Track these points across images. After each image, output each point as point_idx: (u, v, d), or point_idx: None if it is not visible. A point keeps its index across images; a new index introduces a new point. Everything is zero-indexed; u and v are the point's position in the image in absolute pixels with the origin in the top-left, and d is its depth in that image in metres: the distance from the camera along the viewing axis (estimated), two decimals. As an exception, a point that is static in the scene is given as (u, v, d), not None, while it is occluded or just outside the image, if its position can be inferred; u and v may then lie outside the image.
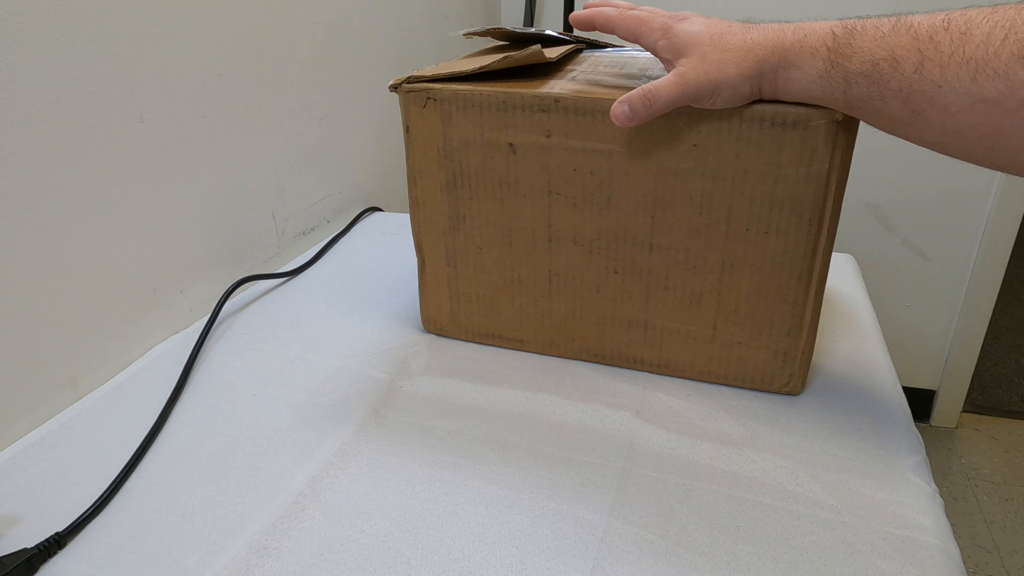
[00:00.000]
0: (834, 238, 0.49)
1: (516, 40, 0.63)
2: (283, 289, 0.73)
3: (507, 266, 0.58)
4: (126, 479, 0.47)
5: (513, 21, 1.47)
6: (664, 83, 0.45)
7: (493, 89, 0.51)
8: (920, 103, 0.38)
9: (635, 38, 0.48)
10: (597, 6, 0.51)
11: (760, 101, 0.46)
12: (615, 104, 0.46)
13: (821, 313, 0.53)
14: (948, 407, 1.64)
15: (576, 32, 0.87)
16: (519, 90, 0.51)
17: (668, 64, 0.47)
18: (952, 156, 0.40)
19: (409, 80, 0.54)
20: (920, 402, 1.66)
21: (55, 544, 0.42)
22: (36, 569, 0.41)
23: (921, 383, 1.64)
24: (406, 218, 0.91)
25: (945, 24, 0.37)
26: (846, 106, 0.42)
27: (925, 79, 0.37)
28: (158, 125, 0.61)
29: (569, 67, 0.57)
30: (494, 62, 0.52)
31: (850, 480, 0.47)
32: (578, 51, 0.64)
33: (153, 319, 0.64)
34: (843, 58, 0.40)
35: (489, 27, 0.59)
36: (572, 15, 0.51)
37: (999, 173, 1.39)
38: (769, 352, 0.54)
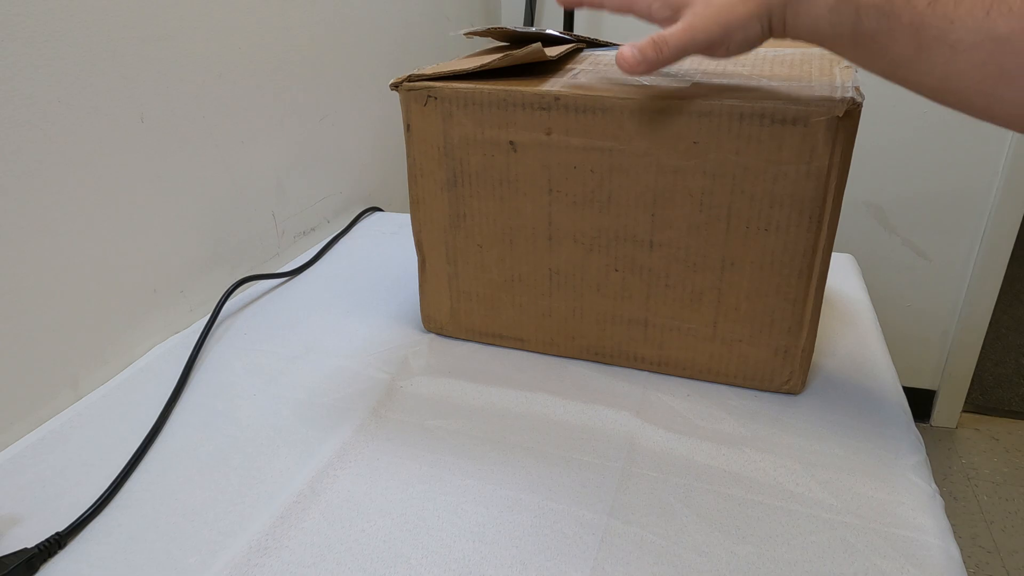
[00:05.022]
0: (834, 235, 0.49)
1: (517, 40, 0.63)
2: (283, 289, 0.73)
3: (507, 264, 0.58)
4: (126, 479, 0.47)
5: (513, 21, 1.47)
6: (673, 30, 0.43)
7: (494, 87, 0.51)
8: (928, 39, 0.37)
9: (628, 7, 0.47)
10: None
11: (756, 103, 0.46)
12: (625, 47, 0.44)
13: (821, 312, 0.53)
14: (948, 407, 1.64)
15: (576, 31, 0.87)
16: (519, 88, 0.51)
17: (669, 25, 0.45)
18: (948, 105, 0.40)
19: (410, 79, 0.54)
20: (920, 402, 1.66)
21: (55, 544, 0.42)
22: (36, 569, 0.41)
23: (921, 383, 1.64)
24: (406, 218, 0.91)
25: None
26: (852, 43, 0.41)
27: (938, 13, 0.37)
28: (158, 125, 0.61)
29: (569, 66, 0.57)
30: (494, 60, 0.52)
31: (850, 480, 0.47)
32: (578, 50, 0.64)
33: (153, 319, 0.64)
34: None
35: (489, 27, 0.59)
36: None
37: (999, 172, 1.39)
38: (769, 350, 0.54)
